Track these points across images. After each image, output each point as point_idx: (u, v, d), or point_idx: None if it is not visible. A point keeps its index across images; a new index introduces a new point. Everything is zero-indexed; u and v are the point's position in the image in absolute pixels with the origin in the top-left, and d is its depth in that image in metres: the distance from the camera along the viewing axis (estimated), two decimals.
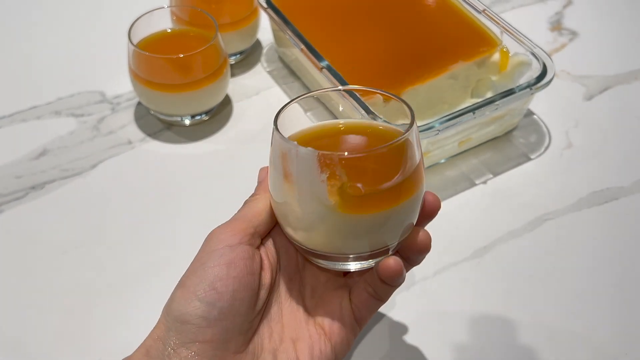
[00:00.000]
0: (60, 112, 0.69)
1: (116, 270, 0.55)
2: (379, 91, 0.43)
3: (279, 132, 0.38)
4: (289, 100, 0.41)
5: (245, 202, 0.42)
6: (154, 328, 0.38)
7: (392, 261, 0.39)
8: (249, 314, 0.38)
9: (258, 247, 0.41)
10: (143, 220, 0.59)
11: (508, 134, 0.67)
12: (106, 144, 0.65)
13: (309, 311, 0.42)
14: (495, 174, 0.63)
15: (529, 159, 0.65)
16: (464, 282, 0.54)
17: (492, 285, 0.54)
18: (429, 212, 0.41)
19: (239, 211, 0.42)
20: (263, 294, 0.40)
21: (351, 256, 0.40)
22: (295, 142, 0.36)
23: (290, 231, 0.40)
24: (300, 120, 0.43)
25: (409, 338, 0.51)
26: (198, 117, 0.67)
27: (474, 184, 0.62)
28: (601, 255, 0.56)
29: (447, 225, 0.58)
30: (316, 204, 0.37)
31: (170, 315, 0.37)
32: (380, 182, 0.37)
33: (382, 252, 0.40)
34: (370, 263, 0.40)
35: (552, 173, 0.64)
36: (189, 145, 0.66)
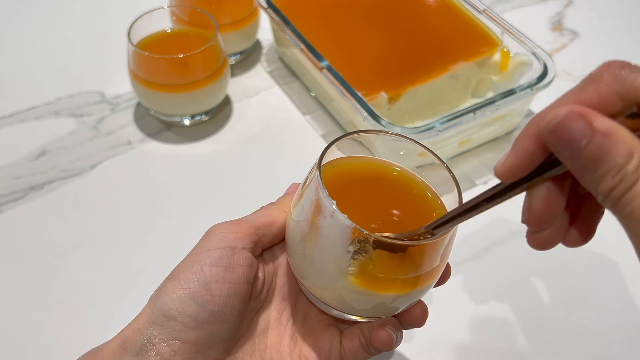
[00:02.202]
0: (59, 113, 0.69)
1: (116, 270, 0.55)
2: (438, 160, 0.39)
3: (321, 180, 0.34)
4: (335, 139, 0.37)
5: (262, 207, 0.40)
6: (136, 317, 0.35)
7: (384, 334, 0.38)
8: (236, 322, 0.36)
9: (258, 257, 0.39)
10: (143, 221, 0.58)
11: (509, 134, 0.67)
12: (106, 144, 0.65)
13: (296, 339, 0.40)
14: None
15: None
16: (464, 282, 0.54)
17: (492, 286, 0.54)
18: (409, 323, 0.39)
19: (251, 214, 0.39)
20: (252, 305, 0.38)
21: (350, 315, 0.39)
22: (334, 203, 0.33)
23: (294, 264, 0.38)
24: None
25: (408, 338, 0.50)
26: (198, 118, 0.67)
27: (475, 185, 0.62)
28: (601, 256, 0.56)
29: None
30: (333, 265, 0.35)
31: (157, 308, 0.35)
32: (405, 271, 0.35)
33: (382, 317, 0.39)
34: (367, 320, 0.39)
35: None
36: (189, 146, 0.66)
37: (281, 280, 0.41)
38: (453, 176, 0.38)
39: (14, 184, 0.61)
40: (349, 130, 0.66)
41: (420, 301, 0.39)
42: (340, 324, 0.41)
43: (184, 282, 0.35)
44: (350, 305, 0.37)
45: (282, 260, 0.41)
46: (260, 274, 0.39)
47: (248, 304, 0.38)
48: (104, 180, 0.62)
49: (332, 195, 0.34)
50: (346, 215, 0.33)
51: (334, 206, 0.33)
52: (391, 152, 0.59)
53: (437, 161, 0.39)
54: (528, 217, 0.29)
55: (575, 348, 0.50)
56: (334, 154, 0.38)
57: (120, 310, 0.52)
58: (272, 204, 0.41)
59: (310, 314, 0.41)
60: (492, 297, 0.53)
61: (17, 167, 0.63)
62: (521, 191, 0.30)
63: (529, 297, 0.53)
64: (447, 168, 0.38)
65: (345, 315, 0.39)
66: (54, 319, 0.51)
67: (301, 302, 0.41)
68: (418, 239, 0.34)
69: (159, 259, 0.55)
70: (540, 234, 0.31)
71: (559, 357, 0.50)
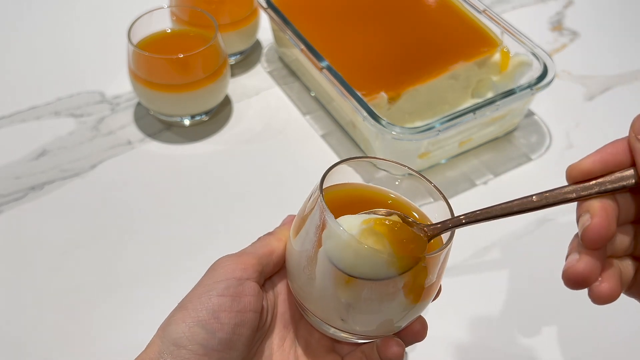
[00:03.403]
0: (59, 113, 0.69)
1: (116, 270, 0.54)
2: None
3: (324, 203, 0.35)
4: (338, 161, 0.39)
5: (260, 238, 0.41)
6: (146, 349, 0.36)
7: (395, 346, 0.38)
8: (244, 351, 0.37)
9: (262, 288, 0.40)
10: (143, 221, 0.58)
11: (509, 134, 0.67)
12: (106, 144, 0.65)
13: None
14: (496, 175, 0.63)
15: (530, 160, 0.65)
16: (464, 282, 0.54)
17: (492, 285, 0.54)
18: (411, 339, 0.40)
19: (251, 245, 0.40)
20: (258, 335, 0.39)
21: (347, 335, 0.39)
22: (342, 226, 0.34)
23: (298, 290, 0.39)
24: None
25: None
26: (198, 118, 0.67)
27: (475, 185, 0.62)
28: None
29: None
30: (333, 290, 0.36)
31: (167, 337, 0.35)
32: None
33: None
34: (362, 340, 0.40)
35: (553, 173, 0.63)
36: (189, 146, 0.66)
37: (282, 308, 0.42)
38: (443, 196, 0.39)
39: (14, 184, 0.61)
40: (349, 131, 0.66)
41: (420, 316, 0.39)
42: (340, 348, 0.42)
43: (192, 312, 0.36)
44: (357, 321, 0.37)
45: (281, 287, 0.42)
46: (264, 304, 0.40)
47: (256, 333, 0.38)
48: (104, 180, 0.62)
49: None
50: (353, 233, 0.34)
51: (342, 227, 0.34)
52: (392, 154, 0.59)
53: (424, 180, 0.39)
54: (588, 229, 0.30)
55: (576, 348, 0.50)
56: (332, 178, 0.39)
57: (120, 310, 0.52)
58: (269, 234, 0.42)
59: (311, 340, 0.42)
60: (492, 297, 0.53)
61: (17, 167, 0.63)
62: (584, 197, 0.31)
63: (529, 297, 0.53)
64: (435, 187, 0.39)
65: (350, 338, 0.39)
66: (54, 319, 0.51)
67: (302, 328, 0.42)
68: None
69: (159, 259, 0.55)
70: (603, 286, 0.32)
71: (559, 357, 0.50)
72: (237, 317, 0.36)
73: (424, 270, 0.35)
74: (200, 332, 0.35)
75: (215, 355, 0.35)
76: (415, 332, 0.39)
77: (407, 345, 0.40)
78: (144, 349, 0.36)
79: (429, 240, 0.36)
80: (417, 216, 0.40)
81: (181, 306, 0.37)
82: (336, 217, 0.35)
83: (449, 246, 0.36)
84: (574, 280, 0.33)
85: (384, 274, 0.34)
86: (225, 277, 0.37)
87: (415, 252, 0.35)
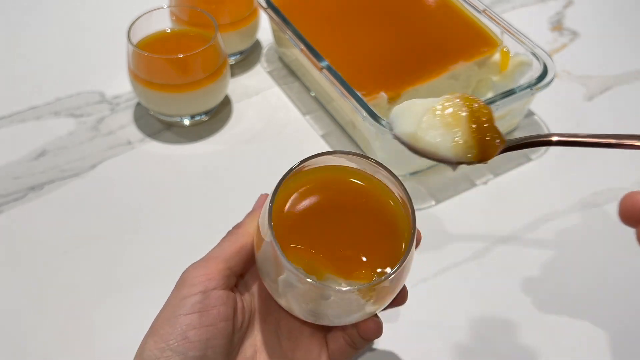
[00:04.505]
0: (59, 113, 0.69)
1: (116, 270, 0.54)
2: None
3: (275, 241, 0.35)
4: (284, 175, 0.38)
5: (228, 234, 0.41)
6: None
7: (372, 324, 0.40)
8: (223, 358, 0.38)
9: (233, 288, 0.40)
10: (142, 221, 0.58)
11: (509, 134, 0.67)
12: (105, 144, 0.65)
13: (285, 354, 0.41)
14: (496, 175, 0.63)
15: (530, 160, 0.65)
16: (464, 282, 0.54)
17: (492, 285, 0.54)
18: (364, 334, 0.41)
19: (218, 244, 0.40)
20: (237, 337, 0.39)
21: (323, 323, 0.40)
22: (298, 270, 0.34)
23: (267, 285, 0.39)
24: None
25: (409, 338, 0.50)
26: (198, 118, 0.67)
27: (475, 185, 0.62)
28: (601, 256, 0.56)
29: (448, 225, 0.58)
30: (298, 303, 0.37)
31: None
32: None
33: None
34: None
35: (552, 173, 0.64)
36: (189, 146, 0.66)
37: (259, 302, 0.42)
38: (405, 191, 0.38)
39: (14, 184, 0.61)
40: (349, 131, 0.66)
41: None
42: (324, 328, 0.42)
43: (164, 336, 0.36)
44: (330, 319, 0.38)
45: (256, 282, 0.42)
46: (239, 303, 0.40)
47: (233, 337, 0.39)
48: (104, 180, 0.62)
49: (287, 222, 0.35)
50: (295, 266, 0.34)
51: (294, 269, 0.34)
52: (392, 154, 0.59)
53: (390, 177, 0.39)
54: None
55: (576, 348, 0.50)
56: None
57: (120, 310, 0.52)
58: (237, 227, 0.41)
59: (293, 328, 0.42)
60: (492, 296, 0.53)
61: (17, 167, 0.63)
62: None
63: (529, 297, 0.53)
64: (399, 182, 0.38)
65: (327, 325, 0.40)
66: (54, 319, 0.51)
67: (283, 318, 0.42)
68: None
69: (159, 259, 0.55)
70: None
71: (559, 357, 0.50)
72: (207, 332, 0.36)
73: (385, 289, 0.36)
74: (172, 355, 0.36)
75: None
76: (366, 330, 0.41)
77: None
78: None
79: (505, 151, 0.35)
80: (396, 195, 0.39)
81: (152, 331, 0.37)
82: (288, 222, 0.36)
83: (411, 253, 0.36)
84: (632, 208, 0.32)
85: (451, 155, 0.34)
86: (191, 293, 0.37)
87: (490, 144, 0.35)
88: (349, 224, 0.38)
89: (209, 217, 0.59)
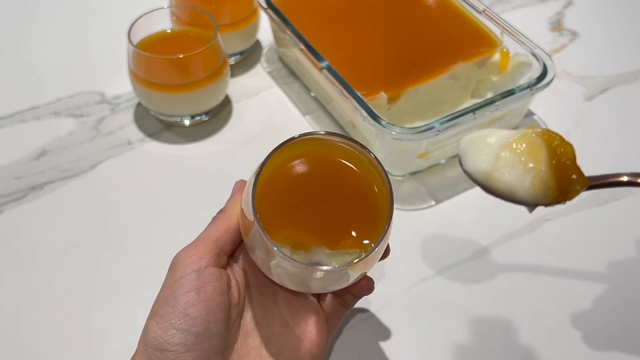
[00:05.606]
0: (59, 113, 0.69)
1: (116, 270, 0.55)
2: None
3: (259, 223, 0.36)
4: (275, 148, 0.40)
5: (213, 219, 0.43)
6: (132, 358, 0.38)
7: (365, 281, 0.43)
8: (224, 333, 0.39)
9: (225, 266, 0.41)
10: (143, 221, 0.58)
11: None
12: (106, 144, 0.65)
13: (286, 322, 0.43)
14: None
15: None
16: (464, 282, 0.54)
17: (492, 285, 0.54)
18: (357, 293, 0.44)
19: (205, 229, 0.42)
20: (234, 312, 0.40)
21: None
22: (266, 235, 0.36)
23: (255, 259, 0.41)
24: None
25: (409, 338, 0.50)
26: (198, 118, 0.67)
27: (475, 185, 0.62)
28: (601, 256, 0.56)
29: (448, 225, 0.58)
30: (288, 277, 0.39)
31: (149, 345, 0.37)
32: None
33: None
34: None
35: None
36: (189, 146, 0.66)
37: (253, 277, 0.43)
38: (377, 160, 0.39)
39: (14, 184, 0.61)
40: (349, 131, 0.66)
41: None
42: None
43: (165, 316, 0.38)
44: (323, 289, 0.41)
45: (248, 259, 0.43)
46: (233, 280, 0.41)
47: (230, 312, 0.40)
48: (104, 180, 0.62)
49: (270, 189, 0.37)
50: (273, 241, 0.36)
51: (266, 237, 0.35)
52: (392, 154, 0.59)
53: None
54: None
55: (576, 348, 0.50)
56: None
57: (120, 310, 0.52)
58: (221, 211, 0.43)
59: (290, 297, 0.44)
60: (492, 297, 0.53)
61: (17, 167, 0.63)
62: None
63: (529, 297, 0.53)
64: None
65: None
66: (54, 319, 0.51)
67: (278, 288, 0.44)
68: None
69: (159, 259, 0.55)
70: None
71: (559, 357, 0.50)
72: (207, 307, 0.38)
73: (373, 257, 0.37)
74: (176, 332, 0.37)
75: (197, 348, 0.37)
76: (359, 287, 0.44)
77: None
78: (130, 358, 0.38)
79: (584, 189, 0.34)
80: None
81: (153, 313, 0.39)
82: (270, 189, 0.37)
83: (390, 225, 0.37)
84: None
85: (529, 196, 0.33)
86: (185, 273, 0.39)
87: (573, 185, 0.33)
88: (331, 198, 0.39)
89: (209, 216, 0.59)
